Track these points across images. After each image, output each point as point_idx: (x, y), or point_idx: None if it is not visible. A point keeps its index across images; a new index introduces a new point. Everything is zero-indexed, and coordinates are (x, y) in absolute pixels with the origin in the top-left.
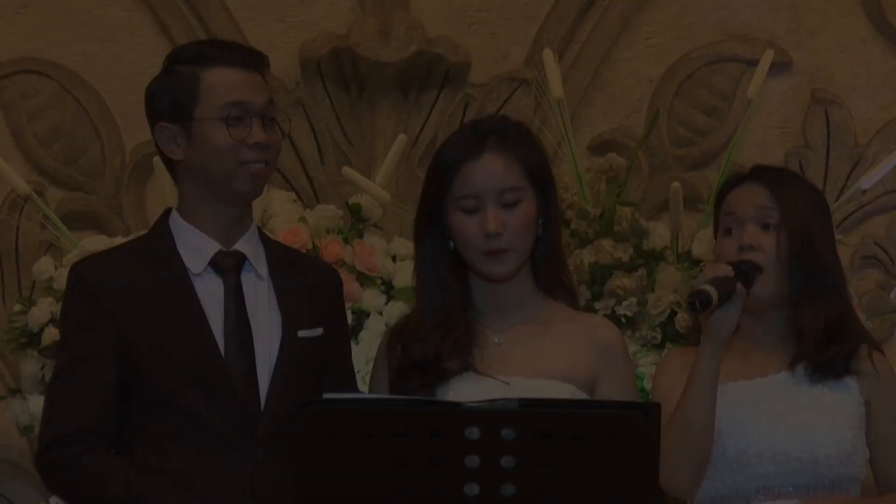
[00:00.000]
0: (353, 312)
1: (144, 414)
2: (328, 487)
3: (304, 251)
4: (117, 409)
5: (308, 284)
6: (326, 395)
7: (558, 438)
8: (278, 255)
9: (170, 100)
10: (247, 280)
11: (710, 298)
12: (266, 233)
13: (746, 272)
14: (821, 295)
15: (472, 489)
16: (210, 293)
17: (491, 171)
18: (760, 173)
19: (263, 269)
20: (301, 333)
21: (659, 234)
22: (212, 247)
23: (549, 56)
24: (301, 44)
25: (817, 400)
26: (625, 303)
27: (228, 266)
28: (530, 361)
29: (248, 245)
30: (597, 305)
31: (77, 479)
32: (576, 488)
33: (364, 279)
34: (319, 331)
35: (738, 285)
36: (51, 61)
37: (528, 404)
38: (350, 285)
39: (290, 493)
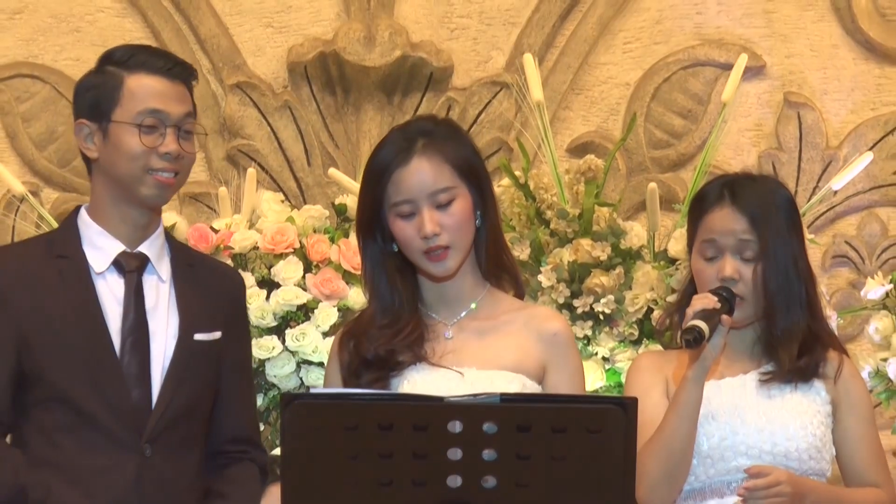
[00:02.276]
0: (338, 309)
1: (39, 406)
2: (313, 479)
3: (289, 250)
4: (13, 400)
5: (209, 289)
6: (313, 390)
7: (538, 432)
8: (183, 258)
9: (92, 99)
10: (148, 282)
11: (703, 334)
12: (172, 236)
13: (729, 300)
14: (796, 318)
15: (455, 481)
16: (111, 292)
17: (420, 175)
18: (740, 196)
19: (166, 272)
20: (198, 336)
21: (636, 233)
22: (116, 247)
23: (529, 61)
24: (288, 48)
25: (786, 398)
26: (603, 300)
27: (131, 267)
28: (481, 354)
29: (152, 248)
30: (575, 303)
31: None
32: (555, 480)
33: (349, 277)
34: (217, 334)
35: (724, 316)
36: (45, 66)
37: (509, 399)
38: (336, 283)
39: (174, 491)
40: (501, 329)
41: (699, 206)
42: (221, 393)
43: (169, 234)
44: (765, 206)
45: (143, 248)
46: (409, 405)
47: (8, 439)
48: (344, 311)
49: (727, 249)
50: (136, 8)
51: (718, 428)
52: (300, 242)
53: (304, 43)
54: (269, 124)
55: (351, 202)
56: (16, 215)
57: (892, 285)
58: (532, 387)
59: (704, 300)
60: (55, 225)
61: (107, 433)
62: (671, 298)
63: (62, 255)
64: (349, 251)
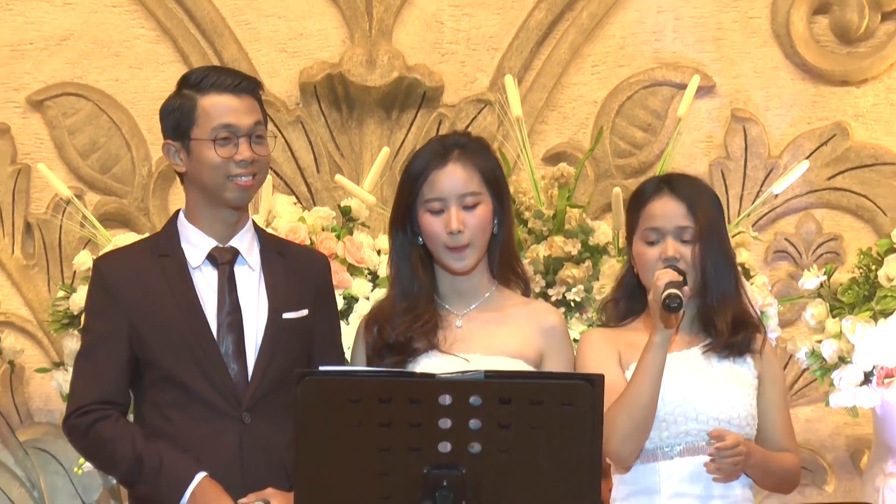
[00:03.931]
0: (343, 298)
1: (153, 387)
2: (322, 445)
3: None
4: (130, 382)
5: (296, 272)
6: (321, 368)
7: (517, 404)
8: (271, 247)
9: (174, 121)
10: (240, 271)
11: (682, 300)
12: (262, 227)
13: (683, 273)
14: (728, 295)
15: (445, 447)
16: (207, 283)
17: (454, 178)
18: (676, 187)
19: (255, 262)
20: (286, 315)
21: (603, 231)
22: (209, 243)
23: (509, 81)
24: (300, 70)
25: (727, 371)
26: (573, 290)
27: (223, 259)
28: (486, 341)
29: (242, 241)
30: (550, 292)
31: (92, 443)
32: (532, 446)
33: (353, 270)
34: (304, 312)
35: (686, 288)
36: (88, 85)
37: (492, 375)
38: (341, 275)
39: (272, 453)
40: (506, 320)
41: (639, 200)
42: (314, 361)
43: (258, 228)
44: (698, 195)
45: (234, 243)
46: (405, 381)
47: (130, 417)
48: (349, 299)
49: (668, 233)
50: (168, 35)
51: (673, 396)
52: (310, 239)
53: (313, 66)
54: (283, 136)
55: (355, 205)
56: (63, 216)
57: (825, 277)
58: (530, 370)
59: (667, 274)
60: (97, 224)
61: (211, 406)
62: None
63: (163, 253)
64: (353, 247)
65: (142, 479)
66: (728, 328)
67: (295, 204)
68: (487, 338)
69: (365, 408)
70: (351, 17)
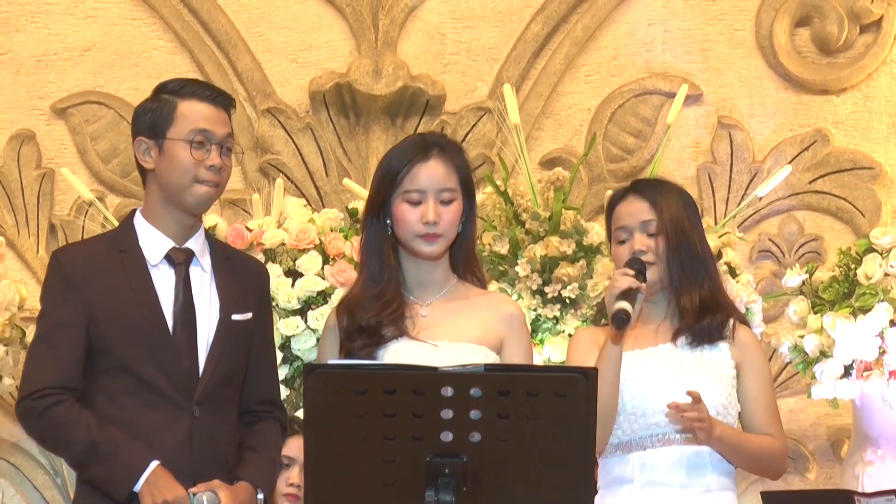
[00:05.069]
0: None
1: (106, 374)
2: (331, 435)
3: (310, 245)
4: (84, 369)
5: (241, 277)
6: (330, 361)
7: (516, 395)
8: (220, 253)
9: (150, 120)
10: (193, 272)
11: (629, 315)
12: (210, 233)
13: (641, 271)
14: (695, 280)
15: (447, 436)
16: (164, 281)
17: (435, 173)
18: (640, 188)
19: (207, 264)
20: (234, 317)
21: (596, 232)
22: (167, 243)
23: (508, 90)
24: (310, 80)
25: (698, 362)
26: (569, 287)
27: (180, 260)
28: (452, 329)
29: (196, 244)
30: (546, 289)
31: (47, 425)
32: (529, 435)
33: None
34: (249, 315)
35: (641, 285)
36: (109, 94)
37: (491, 368)
38: (349, 273)
39: (217, 446)
40: (468, 310)
41: (611, 205)
42: (251, 363)
43: (208, 233)
44: (662, 192)
45: (189, 245)
46: (409, 374)
47: None
48: None
49: (635, 230)
50: (184, 47)
51: (640, 389)
52: (319, 240)
53: (322, 75)
54: (294, 142)
55: (362, 206)
56: (85, 217)
57: (807, 275)
58: (493, 357)
59: (623, 280)
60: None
61: (163, 396)
62: None
63: (123, 249)
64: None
65: (96, 462)
66: (694, 308)
67: (305, 206)
68: (452, 325)
69: (371, 399)
70: (358, 30)
